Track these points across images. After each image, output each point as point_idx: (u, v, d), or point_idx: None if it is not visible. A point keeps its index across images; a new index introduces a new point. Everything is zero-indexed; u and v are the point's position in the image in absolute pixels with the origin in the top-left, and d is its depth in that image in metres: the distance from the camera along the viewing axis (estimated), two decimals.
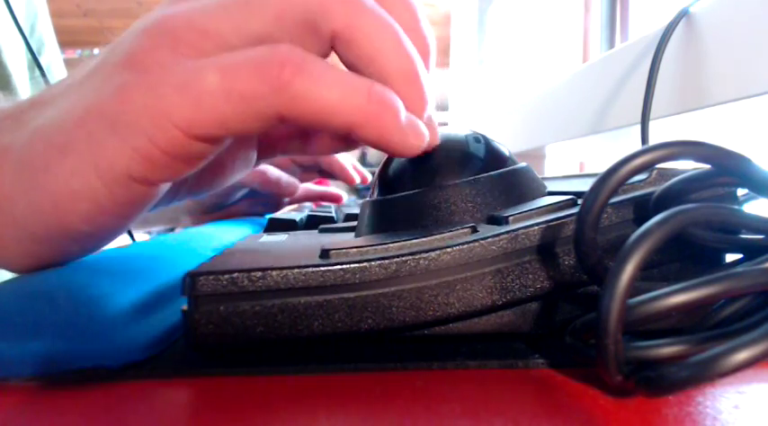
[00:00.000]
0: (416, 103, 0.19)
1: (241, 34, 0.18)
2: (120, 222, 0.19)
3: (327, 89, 0.17)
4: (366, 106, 0.17)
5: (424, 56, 0.20)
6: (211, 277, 0.16)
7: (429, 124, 0.20)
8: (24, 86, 0.57)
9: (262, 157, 0.28)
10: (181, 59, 0.17)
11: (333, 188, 0.66)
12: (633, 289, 0.13)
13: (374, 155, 2.80)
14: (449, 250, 0.17)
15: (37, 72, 0.58)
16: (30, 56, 0.56)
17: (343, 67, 0.19)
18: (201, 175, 0.22)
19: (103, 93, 0.17)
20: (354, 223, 0.28)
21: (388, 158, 0.24)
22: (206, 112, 0.16)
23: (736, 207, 0.17)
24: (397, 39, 0.18)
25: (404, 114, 0.18)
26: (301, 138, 0.28)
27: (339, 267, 0.16)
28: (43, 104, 0.20)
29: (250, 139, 0.27)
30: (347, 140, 0.26)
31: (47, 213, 0.18)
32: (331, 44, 0.18)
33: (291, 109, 0.16)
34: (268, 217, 0.46)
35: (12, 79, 0.54)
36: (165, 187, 0.20)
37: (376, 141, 0.18)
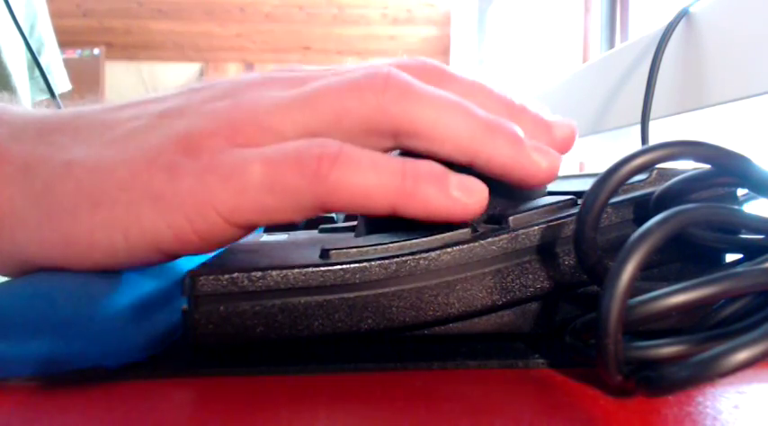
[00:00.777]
0: (517, 152, 0.18)
1: (299, 132, 0.18)
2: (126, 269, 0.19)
3: (363, 175, 0.17)
4: (402, 184, 0.17)
5: (512, 109, 0.20)
6: (211, 277, 0.16)
7: (546, 153, 0.19)
8: (24, 86, 0.57)
9: None
10: (233, 148, 0.18)
11: None
12: (633, 289, 0.13)
13: None
14: (449, 250, 0.17)
15: (36, 72, 0.58)
16: (29, 56, 0.56)
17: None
18: None
19: (153, 165, 0.18)
20: (354, 223, 0.28)
21: None
22: (249, 203, 0.17)
23: (736, 207, 0.17)
24: (460, 111, 0.18)
25: (450, 179, 0.17)
26: None
27: (339, 267, 0.16)
28: (76, 132, 0.19)
29: None
30: None
31: (55, 250, 0.18)
32: (395, 139, 0.19)
33: (331, 199, 0.17)
34: None
35: (11, 79, 0.54)
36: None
37: (423, 216, 0.17)
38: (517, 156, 0.18)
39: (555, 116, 0.21)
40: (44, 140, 0.19)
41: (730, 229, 0.18)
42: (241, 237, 0.19)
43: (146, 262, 0.19)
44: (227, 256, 0.20)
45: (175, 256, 0.19)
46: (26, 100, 0.58)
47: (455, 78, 0.20)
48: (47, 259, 0.18)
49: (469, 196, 0.17)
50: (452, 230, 0.18)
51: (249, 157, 0.17)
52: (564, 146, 0.21)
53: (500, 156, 0.18)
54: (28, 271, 0.20)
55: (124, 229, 0.17)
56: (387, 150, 0.19)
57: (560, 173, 0.20)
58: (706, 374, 0.12)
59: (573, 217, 0.17)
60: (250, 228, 0.18)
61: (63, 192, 0.18)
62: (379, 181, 0.17)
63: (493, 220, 0.20)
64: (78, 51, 3.35)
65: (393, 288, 0.17)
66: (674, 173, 0.19)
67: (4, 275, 0.20)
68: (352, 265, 0.16)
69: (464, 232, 0.18)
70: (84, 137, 0.19)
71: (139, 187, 0.17)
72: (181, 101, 0.20)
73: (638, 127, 0.47)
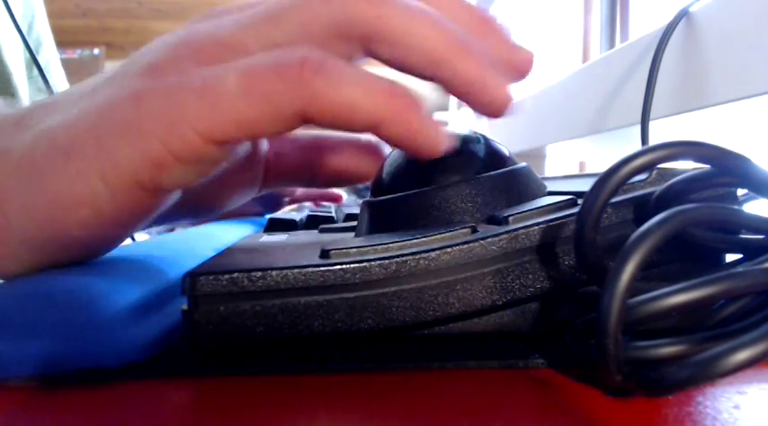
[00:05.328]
0: (485, 69, 0.18)
1: (264, 45, 0.18)
2: (118, 232, 0.19)
3: (349, 86, 0.16)
4: (389, 102, 0.17)
5: (482, 23, 0.20)
6: (211, 277, 0.16)
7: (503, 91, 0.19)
8: (23, 85, 0.57)
9: (268, 184, 0.28)
10: (202, 67, 0.17)
11: (333, 188, 0.66)
12: (633, 289, 0.13)
13: None
14: (449, 250, 0.17)
15: (35, 71, 0.58)
16: (28, 55, 0.56)
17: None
18: (205, 197, 0.22)
19: (118, 97, 0.17)
20: (354, 223, 0.28)
21: (387, 158, 0.24)
22: (225, 115, 0.16)
23: (736, 207, 0.17)
24: (432, 21, 0.18)
25: (427, 113, 0.18)
26: (310, 167, 0.28)
27: (339, 267, 0.16)
28: (51, 109, 0.19)
29: (257, 163, 0.27)
30: (353, 171, 0.26)
31: (43, 216, 0.18)
32: (364, 47, 0.18)
33: (313, 107, 0.16)
34: (268, 217, 0.46)
35: (12, 78, 0.55)
36: (171, 198, 0.19)
37: (402, 138, 0.17)
38: (481, 77, 0.18)
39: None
40: (23, 126, 0.19)
41: (730, 229, 0.18)
42: (222, 158, 0.18)
43: (134, 207, 0.18)
44: (227, 256, 0.20)
45: (160, 189, 0.18)
46: (24, 99, 0.58)
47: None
48: (39, 231, 0.18)
49: (438, 133, 0.18)
50: (452, 230, 0.18)
51: (223, 70, 0.17)
52: (524, 71, 0.21)
53: (463, 74, 0.18)
54: (25, 265, 0.19)
55: (100, 172, 0.17)
56: (357, 58, 0.19)
57: (560, 174, 0.20)
58: (706, 374, 0.12)
59: (573, 217, 0.17)
60: (230, 145, 0.17)
61: (40, 154, 0.18)
62: (365, 94, 0.16)
63: (493, 220, 0.20)
64: (78, 51, 3.35)
65: (393, 288, 0.17)
66: (674, 173, 0.19)
67: (7, 273, 0.20)
68: (352, 265, 0.16)
69: (464, 232, 0.18)
70: (61, 108, 0.19)
71: (105, 121, 0.17)
72: (144, 48, 0.19)
73: (638, 127, 0.47)
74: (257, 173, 0.27)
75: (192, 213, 0.26)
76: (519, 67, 0.21)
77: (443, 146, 0.18)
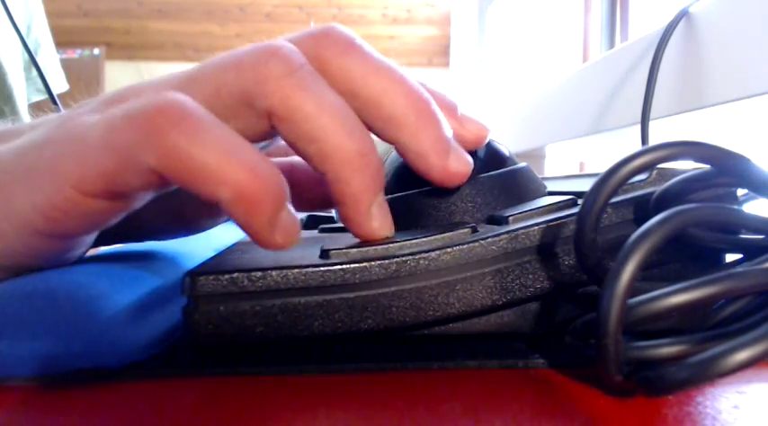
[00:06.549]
0: (362, 192, 0.18)
1: None
2: (38, 263, 0.19)
3: (204, 149, 0.15)
4: (243, 181, 0.15)
5: (418, 103, 0.19)
6: (211, 277, 0.16)
7: (382, 208, 0.18)
8: (20, 87, 0.57)
9: None
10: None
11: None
12: (633, 289, 0.13)
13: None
14: (449, 250, 0.17)
15: (34, 72, 0.58)
16: (26, 56, 0.56)
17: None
18: (165, 223, 0.21)
19: (32, 143, 0.17)
20: None
21: (386, 159, 0.24)
22: (90, 167, 0.16)
23: (736, 207, 0.17)
24: (340, 120, 0.17)
25: (285, 209, 0.16)
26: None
27: (339, 267, 0.16)
28: (6, 138, 0.20)
29: None
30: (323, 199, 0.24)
31: None
32: (270, 122, 0.17)
33: (163, 163, 0.15)
34: None
35: (8, 79, 0.55)
36: (87, 238, 0.19)
37: (240, 224, 0.15)
38: (356, 201, 0.18)
39: (466, 113, 0.21)
40: None
41: (730, 229, 0.18)
42: (113, 210, 0.17)
43: (40, 248, 0.18)
44: (227, 256, 0.20)
45: (58, 236, 0.18)
46: (22, 100, 0.58)
47: (363, 54, 0.18)
48: None
49: (285, 235, 0.16)
50: (452, 230, 0.18)
51: (94, 121, 0.16)
52: (473, 142, 0.20)
53: (348, 188, 0.18)
54: None
55: (4, 213, 0.17)
56: (264, 134, 0.18)
57: (560, 174, 0.20)
58: (706, 374, 0.12)
59: (573, 218, 0.17)
60: (110, 198, 0.16)
61: None
62: (220, 163, 0.15)
63: (493, 220, 0.20)
64: (78, 51, 3.35)
65: (393, 288, 0.17)
66: (674, 173, 0.19)
67: None
68: (352, 265, 0.16)
69: (464, 232, 0.18)
70: (6, 138, 0.19)
71: (17, 166, 0.17)
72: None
73: (638, 127, 0.47)
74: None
75: (150, 237, 0.25)
76: (469, 141, 0.20)
77: (280, 248, 0.16)
